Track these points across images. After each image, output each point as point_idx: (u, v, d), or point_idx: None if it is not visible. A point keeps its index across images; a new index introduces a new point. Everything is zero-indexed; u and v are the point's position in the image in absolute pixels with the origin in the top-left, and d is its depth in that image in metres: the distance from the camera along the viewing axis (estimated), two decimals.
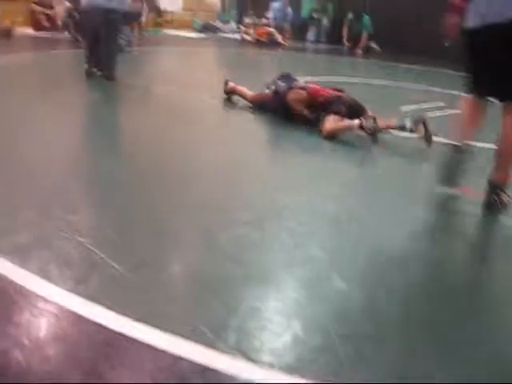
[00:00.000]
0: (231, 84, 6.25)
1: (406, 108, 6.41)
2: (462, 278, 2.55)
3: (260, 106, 5.79)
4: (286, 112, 5.44)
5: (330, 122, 4.95)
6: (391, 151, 4.71)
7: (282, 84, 5.55)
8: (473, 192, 3.54)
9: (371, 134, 4.80)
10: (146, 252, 2.46)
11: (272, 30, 13.57)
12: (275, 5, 13.53)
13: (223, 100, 6.20)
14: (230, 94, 6.25)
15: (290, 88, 5.44)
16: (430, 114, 6.15)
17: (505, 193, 3.34)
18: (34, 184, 3.21)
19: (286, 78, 5.67)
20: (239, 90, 6.17)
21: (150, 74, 8.16)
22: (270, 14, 13.57)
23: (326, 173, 3.96)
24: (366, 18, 13.23)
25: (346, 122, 4.93)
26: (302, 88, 5.42)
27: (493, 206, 3.34)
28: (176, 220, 2.87)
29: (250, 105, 5.95)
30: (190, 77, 8.09)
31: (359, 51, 13.14)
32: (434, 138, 4.74)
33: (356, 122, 4.81)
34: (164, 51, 11.01)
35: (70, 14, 10.71)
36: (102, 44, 6.79)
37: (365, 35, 13.24)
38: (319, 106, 5.23)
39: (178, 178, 3.54)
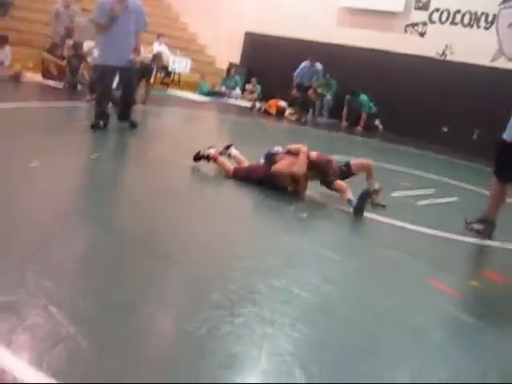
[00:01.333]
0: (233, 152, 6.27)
1: (396, 194, 6.50)
2: None
3: (244, 176, 5.80)
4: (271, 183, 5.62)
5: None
6: (373, 239, 4.75)
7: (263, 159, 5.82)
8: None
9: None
10: (116, 332, 2.44)
11: (282, 103, 13.90)
12: (303, 64, 13.71)
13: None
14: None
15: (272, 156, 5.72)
16: (420, 202, 6.28)
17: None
18: (11, 242, 3.21)
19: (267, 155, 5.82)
20: (221, 162, 6.02)
21: (149, 134, 8.28)
22: (296, 72, 13.79)
23: (307, 258, 3.97)
24: (364, 98, 13.56)
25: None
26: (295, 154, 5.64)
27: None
28: (149, 298, 2.86)
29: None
30: (187, 140, 8.20)
31: (359, 129, 13.42)
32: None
33: None
34: (167, 112, 11.21)
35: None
36: (126, 96, 7.66)
37: (364, 115, 13.56)
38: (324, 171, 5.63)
39: (161, 250, 3.55)
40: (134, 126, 7.79)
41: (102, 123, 7.31)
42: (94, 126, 7.23)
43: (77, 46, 11.42)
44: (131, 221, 4.12)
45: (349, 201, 5.34)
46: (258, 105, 14.20)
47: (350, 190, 5.38)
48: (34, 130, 6.69)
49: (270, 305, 2.97)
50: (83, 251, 3.40)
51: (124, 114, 7.80)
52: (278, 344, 2.57)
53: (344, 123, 13.86)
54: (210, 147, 6.12)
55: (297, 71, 13.61)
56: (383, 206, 5.62)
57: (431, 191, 6.98)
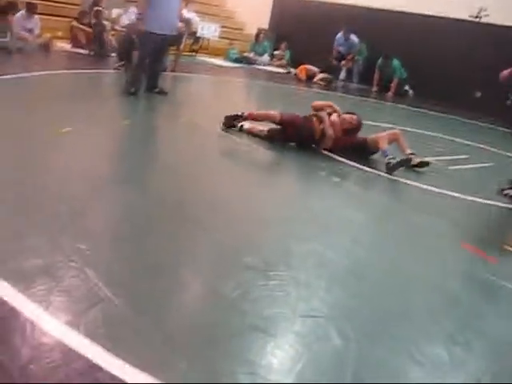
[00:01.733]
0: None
1: (428, 159, 6.39)
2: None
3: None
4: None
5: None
6: (408, 204, 4.70)
7: None
8: None
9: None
10: (151, 295, 2.47)
11: (313, 68, 13.76)
12: (338, 35, 13.77)
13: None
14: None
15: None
16: (453, 167, 6.18)
17: None
18: (47, 206, 3.25)
19: None
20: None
21: (179, 101, 8.25)
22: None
23: (340, 222, 3.95)
24: (397, 63, 13.31)
25: None
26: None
27: None
28: (182, 262, 2.88)
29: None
30: (216, 106, 8.16)
31: (390, 95, 13.21)
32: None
33: None
34: (196, 79, 11.14)
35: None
36: (155, 64, 7.58)
37: (395, 80, 13.33)
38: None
39: (192, 216, 3.56)
40: (163, 93, 7.74)
41: (134, 89, 7.32)
42: (128, 92, 7.27)
43: (97, 14, 11.38)
44: (164, 187, 4.13)
45: (384, 152, 5.35)
46: (291, 70, 14.09)
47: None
48: (64, 98, 6.72)
49: (304, 268, 2.97)
50: (117, 216, 3.43)
51: (154, 82, 7.77)
52: (313, 307, 2.57)
53: (375, 88, 13.66)
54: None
55: (335, 43, 13.75)
56: (427, 164, 5.69)
57: (466, 156, 6.85)
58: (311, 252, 3.20)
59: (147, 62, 7.62)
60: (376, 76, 13.67)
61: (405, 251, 3.60)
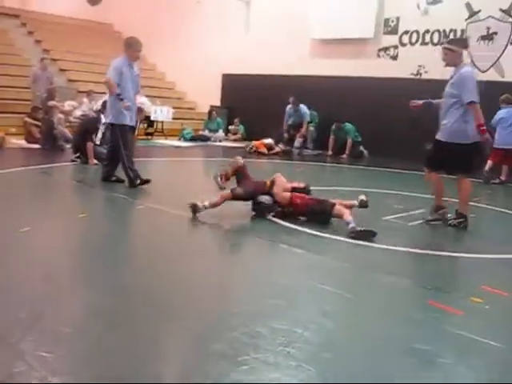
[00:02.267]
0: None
1: (388, 217, 6.53)
2: None
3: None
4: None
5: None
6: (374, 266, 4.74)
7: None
8: None
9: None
10: None
11: (269, 141, 14.06)
12: (288, 108, 14.24)
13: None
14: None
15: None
16: (411, 223, 6.30)
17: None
18: (9, 306, 3.19)
19: None
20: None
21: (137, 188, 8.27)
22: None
23: (306, 294, 3.96)
24: (349, 126, 13.81)
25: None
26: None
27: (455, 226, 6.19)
28: (149, 358, 2.83)
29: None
30: (176, 189, 8.22)
31: (345, 157, 13.56)
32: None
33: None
34: (154, 162, 11.20)
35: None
36: (116, 155, 7.55)
37: (350, 141, 13.74)
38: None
39: (156, 306, 3.52)
40: (120, 181, 7.76)
41: (138, 181, 7.51)
42: (134, 185, 7.49)
43: (48, 110, 11.48)
44: (126, 278, 4.09)
45: (348, 223, 5.51)
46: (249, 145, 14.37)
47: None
48: (20, 196, 6.71)
49: (272, 349, 2.94)
50: (80, 316, 3.36)
51: (112, 171, 7.83)
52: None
53: (330, 152, 14.01)
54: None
55: (285, 116, 14.31)
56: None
57: (422, 211, 6.98)
58: (278, 331, 3.18)
59: (110, 152, 7.74)
60: (331, 140, 14.09)
61: (375, 317, 3.61)
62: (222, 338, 3.02)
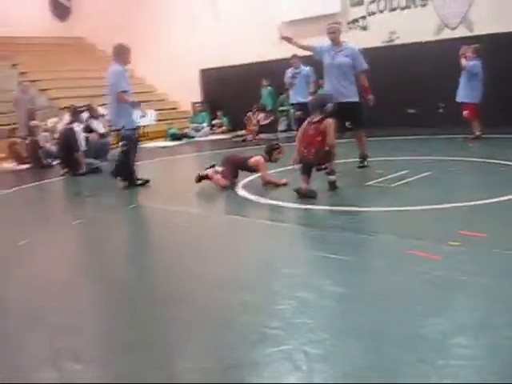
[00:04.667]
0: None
1: (371, 182, 6.71)
2: None
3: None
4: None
5: None
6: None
7: None
8: None
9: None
10: None
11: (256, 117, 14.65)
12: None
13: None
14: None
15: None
16: (394, 184, 6.47)
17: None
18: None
19: None
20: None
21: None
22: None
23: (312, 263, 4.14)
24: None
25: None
26: None
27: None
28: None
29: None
30: (169, 186, 8.41)
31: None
32: None
33: None
34: (143, 165, 11.34)
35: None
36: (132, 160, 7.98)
37: None
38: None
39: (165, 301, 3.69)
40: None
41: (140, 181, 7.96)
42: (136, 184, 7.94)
43: (32, 129, 11.59)
44: (126, 276, 4.29)
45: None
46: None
47: None
48: (15, 214, 6.90)
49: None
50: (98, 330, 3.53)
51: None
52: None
53: None
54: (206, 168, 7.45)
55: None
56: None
57: (406, 172, 7.14)
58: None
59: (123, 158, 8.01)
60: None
61: (363, 275, 3.81)
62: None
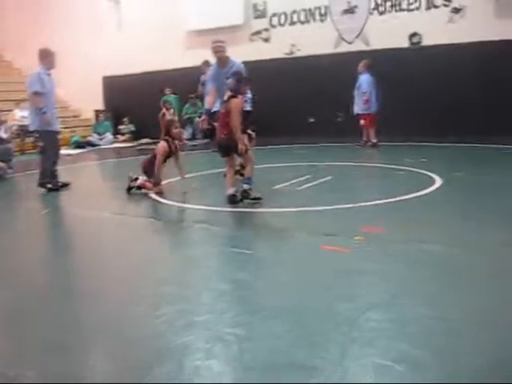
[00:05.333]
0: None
1: (277, 186, 7.06)
2: None
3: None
4: None
5: None
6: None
7: None
8: None
9: None
10: None
11: None
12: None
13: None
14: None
15: None
16: (297, 188, 6.86)
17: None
18: None
19: None
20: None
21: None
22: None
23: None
24: None
25: None
26: None
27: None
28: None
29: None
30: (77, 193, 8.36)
31: None
32: None
33: None
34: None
35: None
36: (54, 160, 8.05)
37: None
38: None
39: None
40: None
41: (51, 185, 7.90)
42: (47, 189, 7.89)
43: None
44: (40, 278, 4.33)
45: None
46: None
47: None
48: None
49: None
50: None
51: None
52: None
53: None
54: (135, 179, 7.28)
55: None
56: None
57: (308, 177, 7.58)
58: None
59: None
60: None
61: (280, 269, 4.10)
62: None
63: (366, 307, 3.14)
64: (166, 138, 7.30)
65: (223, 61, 7.45)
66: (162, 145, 7.27)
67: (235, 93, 6.19)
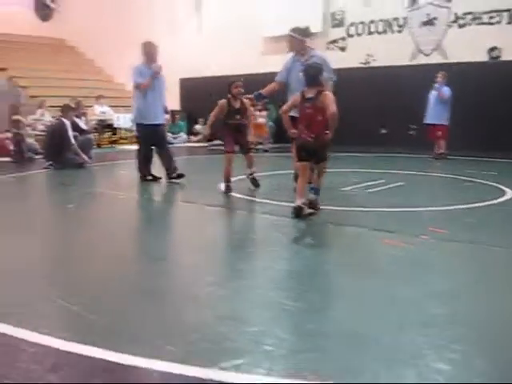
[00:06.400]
0: None
1: (346, 188, 7.14)
2: None
3: None
4: None
5: None
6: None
7: None
8: None
9: None
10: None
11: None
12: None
13: None
14: None
15: None
16: (369, 191, 6.93)
17: None
18: None
19: None
20: None
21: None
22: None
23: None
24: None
25: None
26: None
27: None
28: None
29: None
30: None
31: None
32: None
33: None
34: (118, 164, 11.59)
35: None
36: (164, 152, 8.11)
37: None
38: None
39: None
40: (182, 176, 8.18)
41: (142, 176, 8.14)
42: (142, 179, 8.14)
43: (16, 124, 11.60)
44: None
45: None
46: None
47: None
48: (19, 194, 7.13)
49: None
50: None
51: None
52: None
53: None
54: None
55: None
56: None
57: (382, 181, 7.68)
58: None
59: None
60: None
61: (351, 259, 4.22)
62: None
63: (433, 293, 3.22)
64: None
65: (298, 51, 7.01)
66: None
67: (319, 86, 5.55)
